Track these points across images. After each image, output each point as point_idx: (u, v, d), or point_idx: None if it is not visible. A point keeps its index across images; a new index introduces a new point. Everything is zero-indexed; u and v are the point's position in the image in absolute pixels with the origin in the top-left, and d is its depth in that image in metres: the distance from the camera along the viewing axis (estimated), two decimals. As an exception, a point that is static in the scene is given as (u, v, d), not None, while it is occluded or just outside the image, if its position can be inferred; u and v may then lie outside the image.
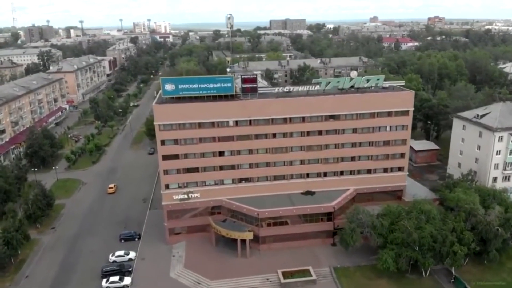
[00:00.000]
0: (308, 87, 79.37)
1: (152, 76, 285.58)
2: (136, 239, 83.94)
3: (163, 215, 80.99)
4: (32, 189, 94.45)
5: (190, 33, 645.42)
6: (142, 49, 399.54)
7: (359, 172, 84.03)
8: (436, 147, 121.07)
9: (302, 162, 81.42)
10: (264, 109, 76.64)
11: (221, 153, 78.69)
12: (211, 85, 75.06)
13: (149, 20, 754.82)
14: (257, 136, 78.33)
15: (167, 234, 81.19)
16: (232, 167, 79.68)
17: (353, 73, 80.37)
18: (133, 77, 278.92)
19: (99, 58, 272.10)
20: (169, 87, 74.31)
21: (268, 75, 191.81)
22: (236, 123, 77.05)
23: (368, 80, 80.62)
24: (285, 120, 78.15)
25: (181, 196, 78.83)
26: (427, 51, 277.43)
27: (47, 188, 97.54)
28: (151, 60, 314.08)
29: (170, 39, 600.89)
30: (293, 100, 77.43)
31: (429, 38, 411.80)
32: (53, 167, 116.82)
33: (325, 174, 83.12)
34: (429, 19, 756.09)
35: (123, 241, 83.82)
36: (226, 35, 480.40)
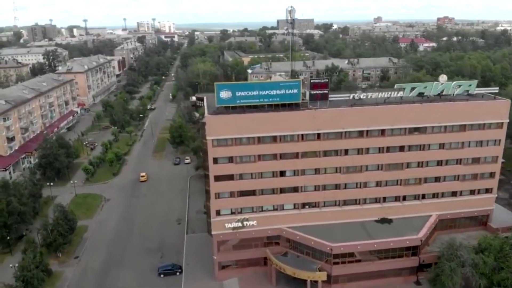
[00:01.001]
0: (388, 93, 65.98)
1: (163, 77, 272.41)
2: (178, 273, 70.55)
3: (212, 245, 67.70)
4: (53, 209, 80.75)
5: (196, 33, 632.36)
6: (151, 48, 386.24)
7: (442, 195, 70.89)
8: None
9: (378, 183, 68.08)
10: (336, 120, 63.37)
11: (282, 173, 65.43)
12: (274, 92, 61.72)
13: (153, 19, 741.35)
14: (325, 153, 65.08)
15: (216, 269, 67.84)
16: (295, 189, 66.36)
17: (443, 77, 67.08)
18: (144, 78, 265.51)
19: (108, 58, 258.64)
20: (224, 94, 60.97)
21: (294, 77, 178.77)
22: (302, 137, 63.78)
23: (459, 86, 67.37)
24: (360, 134, 64.86)
25: (234, 224, 65.52)
26: (448, 52, 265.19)
27: (67, 208, 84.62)
28: (163, 60, 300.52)
29: (176, 38, 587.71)
30: (371, 110, 64.10)
31: (444, 38, 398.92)
32: (71, 181, 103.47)
33: (404, 198, 69.86)
34: (439, 19, 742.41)
35: (162, 275, 70.41)
36: (238, 34, 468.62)
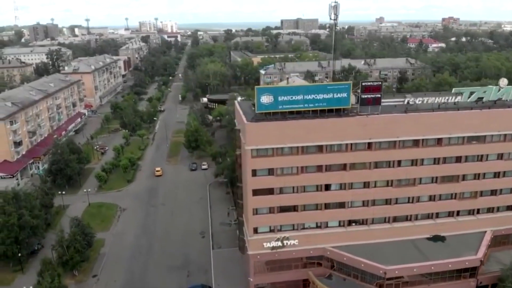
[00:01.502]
0: (445, 98, 59.38)
1: (170, 78, 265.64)
2: (208, 296, 64.13)
3: (244, 264, 61.37)
4: (70, 223, 74.01)
5: (199, 33, 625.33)
6: (156, 48, 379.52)
7: (498, 209, 64.50)
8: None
9: (431, 197, 61.77)
10: (389, 128, 56.96)
11: (327, 187, 58.98)
12: (320, 96, 55.22)
13: (156, 19, 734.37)
14: (376, 164, 58.64)
15: (252, 292, 61.41)
16: (341, 205, 59.92)
17: (503, 81, 60.48)
18: (151, 78, 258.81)
19: (114, 58, 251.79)
20: (266, 99, 54.41)
21: (308, 78, 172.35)
22: (351, 146, 57.32)
23: (519, 90, 60.85)
24: (415, 143, 58.46)
25: (274, 244, 59.02)
26: (460, 52, 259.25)
27: (82, 219, 78.18)
28: (169, 60, 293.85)
29: (179, 38, 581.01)
30: (428, 116, 57.69)
31: (453, 39, 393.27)
32: (84, 190, 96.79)
33: (458, 213, 63.47)
34: (443, 19, 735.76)
35: (191, 298, 63.99)
36: (242, 35, 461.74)
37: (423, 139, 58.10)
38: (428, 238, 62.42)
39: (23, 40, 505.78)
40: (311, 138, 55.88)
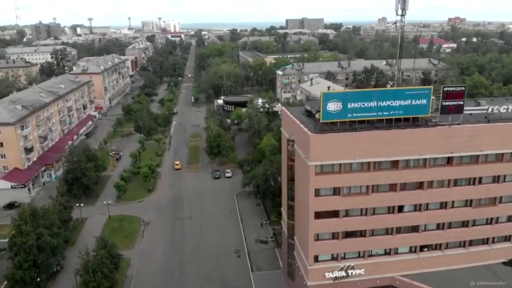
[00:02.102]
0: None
1: (180, 78, 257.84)
2: (256, 330, 56.40)
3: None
4: (96, 242, 65.92)
5: (203, 32, 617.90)
6: (162, 48, 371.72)
7: None
8: None
9: (510, 218, 54.09)
10: (473, 140, 49.23)
11: (400, 208, 51.26)
12: (397, 102, 47.56)
13: (159, 18, 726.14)
14: (456, 182, 50.93)
15: (309, 327, 53.57)
16: (413, 228, 52.21)
17: None
18: (159, 79, 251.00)
19: (122, 58, 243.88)
20: (333, 106, 46.68)
21: (329, 78, 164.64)
22: (429, 162, 49.58)
23: None
24: (499, 157, 50.76)
25: (336, 274, 51.29)
26: (476, 53, 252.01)
27: (104, 235, 70.69)
28: (179, 60, 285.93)
29: (183, 38, 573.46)
30: (515, 127, 50.02)
31: (463, 39, 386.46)
32: (105, 202, 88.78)
33: (537, 235, 55.92)
34: (450, 19, 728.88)
35: (236, 333, 56.27)
36: (248, 34, 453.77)
37: (507, 153, 50.43)
38: (504, 263, 54.80)
39: (25, 39, 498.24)
40: (385, 152, 48.16)
